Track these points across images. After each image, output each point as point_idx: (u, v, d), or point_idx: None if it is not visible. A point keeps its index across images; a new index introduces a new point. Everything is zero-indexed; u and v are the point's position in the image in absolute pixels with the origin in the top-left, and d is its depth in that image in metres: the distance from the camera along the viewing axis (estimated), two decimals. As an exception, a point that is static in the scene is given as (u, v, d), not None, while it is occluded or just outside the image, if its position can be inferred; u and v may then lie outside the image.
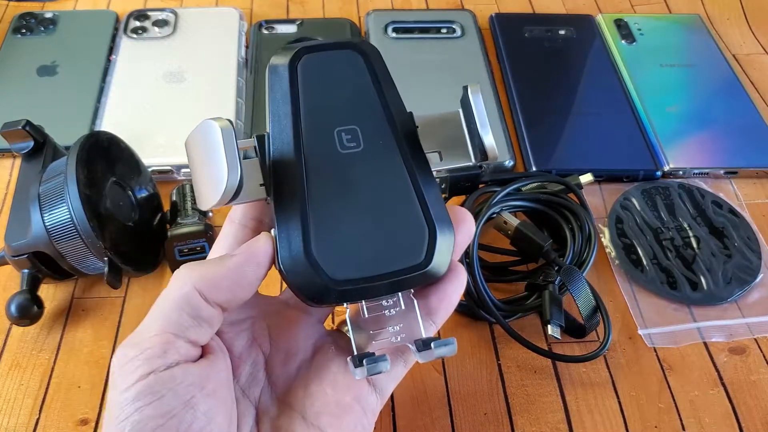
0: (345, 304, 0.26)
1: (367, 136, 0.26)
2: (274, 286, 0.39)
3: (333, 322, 0.37)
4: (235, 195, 0.24)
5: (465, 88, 0.26)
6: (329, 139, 0.25)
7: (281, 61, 0.26)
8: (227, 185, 0.23)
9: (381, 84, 0.26)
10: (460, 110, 0.27)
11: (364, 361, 0.25)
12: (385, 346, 0.27)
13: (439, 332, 0.37)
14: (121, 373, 0.23)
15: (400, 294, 0.26)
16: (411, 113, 0.27)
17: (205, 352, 0.25)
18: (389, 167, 0.26)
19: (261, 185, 0.25)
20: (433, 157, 0.27)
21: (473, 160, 0.27)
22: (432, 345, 0.25)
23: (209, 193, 0.24)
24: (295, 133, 0.25)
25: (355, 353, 0.26)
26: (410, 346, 0.26)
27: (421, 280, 0.26)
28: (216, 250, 0.28)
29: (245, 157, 0.25)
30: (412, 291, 0.27)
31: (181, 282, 0.24)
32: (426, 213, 0.26)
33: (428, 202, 0.26)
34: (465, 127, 0.27)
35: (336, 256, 0.24)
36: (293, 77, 0.26)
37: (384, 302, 0.26)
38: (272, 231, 0.25)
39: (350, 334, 0.26)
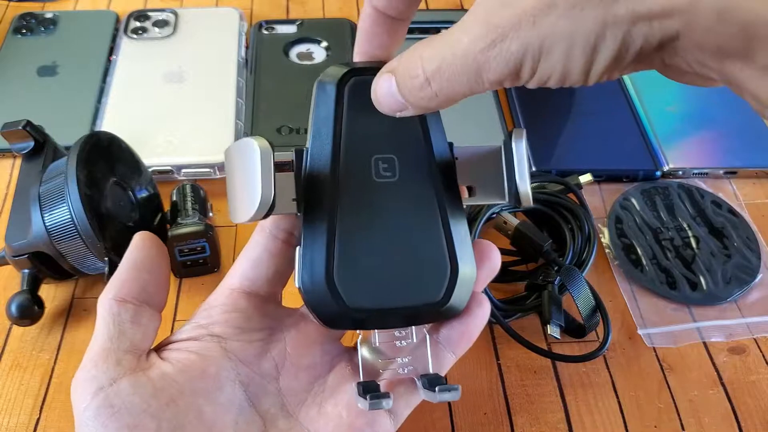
0: (358, 331, 0.26)
1: (403, 167, 0.26)
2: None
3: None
4: (267, 214, 0.24)
5: (510, 134, 0.26)
6: (366, 166, 0.26)
7: (330, 79, 0.26)
8: (260, 204, 0.24)
9: (426, 115, 0.26)
10: (503, 149, 0.27)
11: (368, 396, 0.25)
12: (392, 376, 0.27)
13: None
14: (76, 395, 0.25)
15: (413, 327, 0.27)
16: (451, 144, 0.27)
17: (165, 359, 0.26)
18: (421, 200, 0.26)
19: (293, 200, 0.26)
20: (465, 191, 0.27)
21: (506, 201, 0.27)
22: (436, 389, 0.26)
23: (243, 209, 0.25)
24: (334, 155, 0.25)
25: (361, 379, 0.26)
26: (416, 380, 0.27)
27: (436, 317, 0.26)
28: (243, 258, 0.28)
29: (281, 170, 0.25)
30: (426, 326, 0.27)
31: (100, 301, 0.27)
32: (451, 251, 0.26)
33: (454, 240, 0.26)
34: (505, 168, 0.27)
35: (355, 284, 0.25)
36: (339, 98, 0.26)
37: (396, 333, 0.27)
38: (297, 249, 0.25)
39: (359, 360, 0.27)
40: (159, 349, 0.27)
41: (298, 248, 0.25)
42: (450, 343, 0.28)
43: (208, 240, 0.39)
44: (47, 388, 0.35)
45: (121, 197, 0.38)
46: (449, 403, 0.35)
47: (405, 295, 0.25)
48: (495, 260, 0.28)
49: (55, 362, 0.37)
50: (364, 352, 0.27)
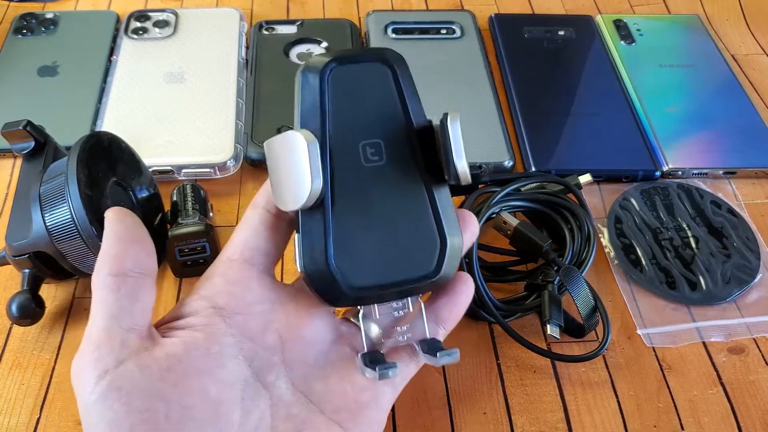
0: (359, 306, 0.28)
1: (389, 150, 0.27)
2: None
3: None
4: (317, 200, 0.26)
5: (445, 115, 0.27)
6: (354, 152, 0.27)
7: (313, 69, 0.27)
8: (311, 191, 0.25)
9: (405, 96, 0.28)
10: (439, 130, 0.28)
11: (377, 368, 0.27)
12: (393, 344, 0.29)
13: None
14: (79, 380, 0.24)
15: (409, 298, 0.29)
16: (431, 121, 0.28)
17: (169, 338, 0.26)
18: (408, 181, 0.28)
19: None
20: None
21: (447, 179, 0.28)
22: (437, 354, 0.28)
23: (293, 197, 0.26)
24: (322, 144, 0.26)
25: (365, 350, 0.28)
26: (415, 345, 0.29)
27: (429, 288, 0.28)
28: (241, 230, 0.29)
29: None
30: (420, 295, 0.29)
31: (95, 280, 0.26)
32: (439, 225, 0.28)
33: (441, 215, 0.28)
34: (443, 149, 0.27)
35: (353, 264, 0.27)
36: (323, 88, 0.27)
37: (394, 305, 0.29)
38: (296, 235, 0.27)
39: (362, 334, 0.28)
40: (161, 325, 0.27)
41: (296, 235, 0.27)
42: (440, 320, 0.30)
43: (208, 240, 0.39)
44: (47, 388, 0.36)
45: (121, 197, 0.38)
46: (449, 403, 0.36)
47: (400, 270, 0.27)
48: (474, 226, 0.31)
49: (55, 362, 0.37)
50: (366, 325, 0.29)
